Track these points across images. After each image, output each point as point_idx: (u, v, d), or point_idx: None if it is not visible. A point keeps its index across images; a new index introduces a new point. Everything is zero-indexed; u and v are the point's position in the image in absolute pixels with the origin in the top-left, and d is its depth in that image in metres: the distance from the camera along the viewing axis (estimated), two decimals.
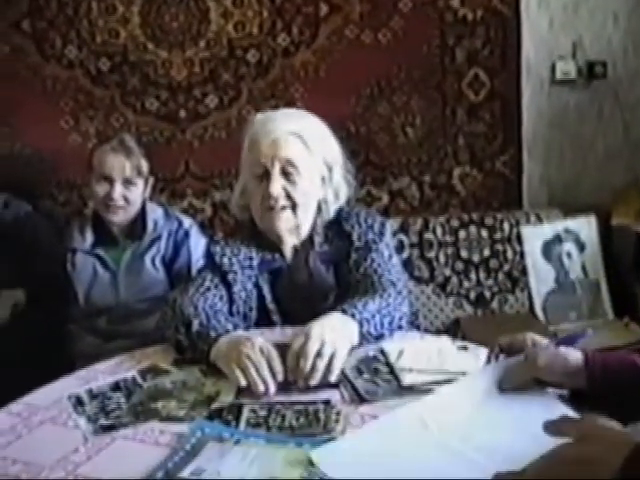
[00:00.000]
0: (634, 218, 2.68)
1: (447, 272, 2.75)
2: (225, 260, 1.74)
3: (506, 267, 2.75)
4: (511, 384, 1.20)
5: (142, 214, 2.35)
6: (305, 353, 1.35)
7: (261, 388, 1.32)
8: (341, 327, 1.45)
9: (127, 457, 1.17)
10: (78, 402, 1.35)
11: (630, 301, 2.65)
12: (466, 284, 2.75)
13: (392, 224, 2.59)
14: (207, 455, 1.12)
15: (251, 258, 1.75)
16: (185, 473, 1.08)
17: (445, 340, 1.54)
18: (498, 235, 2.76)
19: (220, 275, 1.73)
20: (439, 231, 2.75)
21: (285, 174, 1.69)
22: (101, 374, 1.48)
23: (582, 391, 1.15)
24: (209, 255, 1.79)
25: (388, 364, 1.41)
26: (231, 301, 1.71)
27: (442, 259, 2.74)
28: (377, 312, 1.53)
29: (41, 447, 1.20)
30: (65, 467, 1.13)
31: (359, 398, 1.29)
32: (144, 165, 2.32)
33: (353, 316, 1.48)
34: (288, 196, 1.70)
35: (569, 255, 2.73)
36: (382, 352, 1.46)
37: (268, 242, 1.77)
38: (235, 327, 1.54)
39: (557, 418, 0.96)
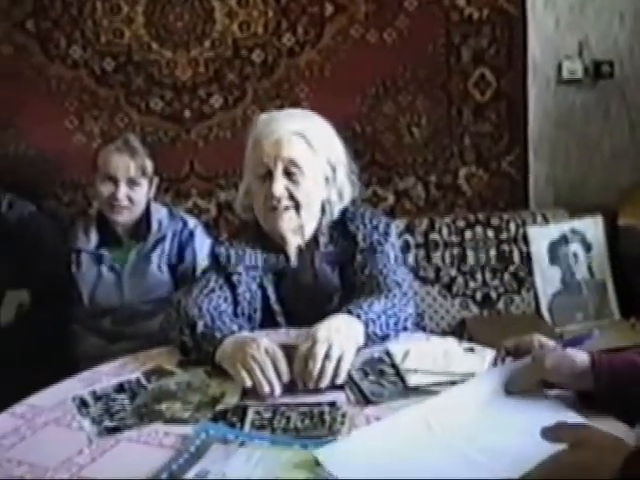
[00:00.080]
0: None
1: (453, 273, 2.74)
2: (230, 261, 1.74)
3: (512, 268, 2.74)
4: (518, 386, 1.20)
5: (147, 214, 2.35)
6: (313, 356, 1.34)
7: (266, 389, 1.32)
8: (347, 328, 1.44)
9: (131, 459, 1.16)
10: (82, 404, 1.35)
11: (637, 302, 2.63)
12: (472, 285, 2.73)
13: (398, 224, 2.59)
14: (212, 457, 1.12)
15: (256, 259, 1.75)
16: (190, 475, 1.07)
17: (451, 341, 1.53)
18: (504, 235, 2.74)
19: (225, 276, 1.72)
20: (445, 231, 2.74)
21: (288, 174, 1.68)
22: (105, 376, 1.47)
23: (589, 393, 1.15)
24: (214, 256, 1.78)
25: (394, 365, 1.40)
26: (235, 302, 1.70)
27: (448, 260, 2.73)
28: (383, 313, 1.52)
29: (45, 449, 1.20)
30: (69, 469, 1.13)
31: (364, 399, 1.29)
32: (149, 165, 2.32)
33: (359, 317, 1.48)
34: (291, 196, 1.70)
35: (575, 255, 2.72)
36: (387, 353, 1.45)
37: (273, 243, 1.76)
38: (240, 328, 1.53)
39: (554, 424, 0.95)
